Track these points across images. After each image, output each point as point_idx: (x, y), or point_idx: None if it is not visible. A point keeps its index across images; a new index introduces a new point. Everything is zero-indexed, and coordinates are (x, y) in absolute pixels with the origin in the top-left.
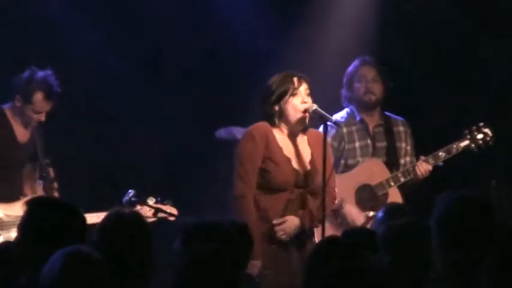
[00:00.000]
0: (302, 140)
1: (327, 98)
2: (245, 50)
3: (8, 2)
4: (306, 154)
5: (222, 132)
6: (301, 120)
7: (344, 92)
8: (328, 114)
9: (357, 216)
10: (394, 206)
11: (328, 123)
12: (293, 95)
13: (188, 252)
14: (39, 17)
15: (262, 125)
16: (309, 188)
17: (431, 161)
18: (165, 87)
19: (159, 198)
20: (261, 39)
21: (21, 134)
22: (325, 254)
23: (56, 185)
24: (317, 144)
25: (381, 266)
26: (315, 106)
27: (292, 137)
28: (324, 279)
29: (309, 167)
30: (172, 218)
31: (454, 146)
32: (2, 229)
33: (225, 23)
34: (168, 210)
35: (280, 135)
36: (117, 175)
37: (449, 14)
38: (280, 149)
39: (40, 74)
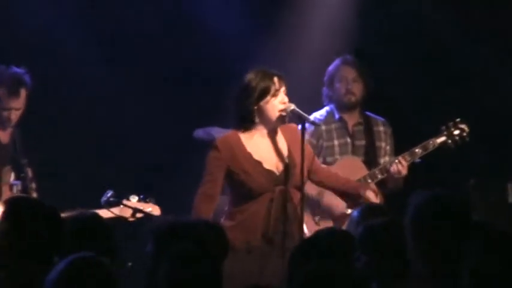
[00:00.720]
0: (278, 137)
1: (306, 98)
2: (223, 50)
3: None
4: (283, 150)
5: (200, 133)
6: (280, 120)
7: (325, 90)
8: (307, 112)
9: (336, 205)
10: (370, 206)
11: (306, 123)
12: (274, 95)
13: (167, 254)
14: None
15: (229, 135)
16: (290, 183)
17: (407, 157)
18: (144, 87)
19: (141, 196)
20: (239, 39)
21: (2, 134)
22: (301, 257)
23: (34, 185)
24: (294, 139)
25: (358, 268)
26: (292, 106)
27: (267, 136)
28: (300, 283)
29: (286, 161)
30: (156, 213)
31: (431, 142)
32: None
33: (205, 26)
34: (147, 210)
35: (250, 140)
36: (97, 175)
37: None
38: (249, 155)
39: (7, 70)
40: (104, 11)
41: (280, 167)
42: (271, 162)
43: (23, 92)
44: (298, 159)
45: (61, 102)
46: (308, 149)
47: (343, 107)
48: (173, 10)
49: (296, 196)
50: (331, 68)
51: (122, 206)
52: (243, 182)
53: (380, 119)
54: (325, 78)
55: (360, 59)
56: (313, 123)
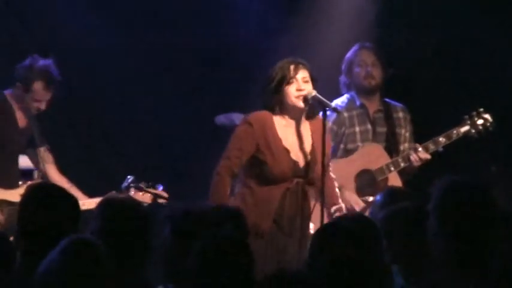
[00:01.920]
0: (305, 129)
1: (327, 87)
2: (246, 37)
3: None
4: (307, 144)
5: (221, 118)
6: (297, 107)
7: (343, 78)
8: (329, 101)
9: (355, 202)
10: (393, 190)
11: (328, 109)
12: (289, 83)
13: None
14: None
15: (263, 114)
16: (307, 178)
17: (431, 146)
18: (165, 73)
19: (150, 183)
20: (262, 28)
21: (22, 119)
22: (324, 241)
23: None
24: (318, 131)
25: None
26: (314, 92)
27: (294, 126)
28: (323, 268)
29: (309, 157)
30: (163, 201)
31: (454, 132)
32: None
33: (226, 14)
34: (162, 194)
35: (282, 125)
36: (116, 161)
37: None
38: (280, 140)
39: (41, 62)
40: None
41: (302, 160)
42: (297, 154)
43: (53, 85)
44: (319, 155)
45: (81, 91)
46: (329, 144)
47: (363, 91)
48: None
49: (310, 192)
50: (349, 54)
51: (141, 192)
52: (267, 164)
53: (399, 105)
54: (343, 66)
55: (380, 46)
56: (334, 109)
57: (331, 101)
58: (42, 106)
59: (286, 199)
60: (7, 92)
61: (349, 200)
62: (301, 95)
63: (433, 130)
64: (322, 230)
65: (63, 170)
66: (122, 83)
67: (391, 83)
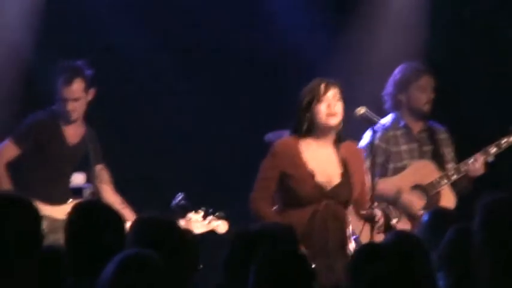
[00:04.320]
0: (334, 149)
1: (374, 100)
2: (296, 54)
3: None
4: (335, 166)
5: (271, 136)
6: (328, 126)
7: (394, 94)
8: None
9: (417, 199)
10: (439, 210)
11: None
12: (319, 101)
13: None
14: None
15: (287, 140)
16: (339, 199)
17: (482, 156)
18: (215, 89)
19: (210, 210)
20: (311, 43)
21: (71, 135)
22: (364, 258)
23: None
24: (352, 156)
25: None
26: (364, 109)
27: (321, 147)
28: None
29: (338, 180)
30: (222, 231)
31: (504, 141)
32: (51, 231)
33: (275, 27)
34: (213, 226)
35: (309, 148)
36: (164, 178)
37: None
38: (304, 163)
39: (66, 62)
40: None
41: (332, 181)
42: (324, 175)
43: (78, 83)
44: (352, 178)
45: (127, 102)
46: (364, 171)
47: (418, 115)
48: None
49: (342, 213)
50: (405, 74)
51: (194, 212)
52: (292, 188)
53: (441, 127)
54: (397, 83)
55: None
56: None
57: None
58: (70, 107)
59: (315, 221)
60: (55, 107)
61: (410, 200)
62: (331, 114)
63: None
64: (363, 247)
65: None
66: (171, 95)
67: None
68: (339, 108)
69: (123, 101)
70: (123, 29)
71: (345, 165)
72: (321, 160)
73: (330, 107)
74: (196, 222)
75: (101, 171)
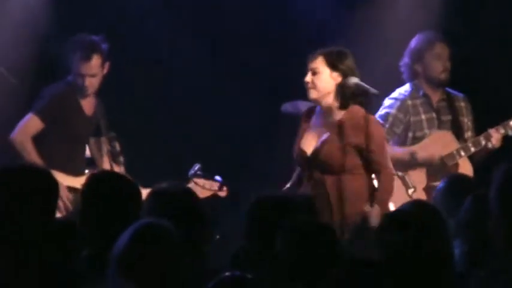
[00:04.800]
0: (332, 118)
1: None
2: (310, 22)
3: None
4: (323, 133)
5: (287, 106)
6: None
7: (410, 65)
8: (393, 88)
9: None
10: (455, 176)
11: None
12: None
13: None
14: None
15: (311, 108)
16: (321, 168)
17: (501, 130)
18: (230, 60)
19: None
20: (325, 13)
21: (87, 107)
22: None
23: (122, 158)
24: (353, 120)
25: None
26: (354, 80)
27: (324, 115)
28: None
29: (321, 147)
30: (223, 194)
31: None
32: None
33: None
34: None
35: (315, 116)
36: (180, 149)
37: None
38: (304, 130)
39: (83, 37)
40: None
41: (312, 151)
42: (308, 143)
43: (96, 59)
44: (349, 144)
45: (149, 78)
46: (377, 136)
47: (436, 83)
48: None
49: (330, 182)
50: (420, 43)
51: (208, 180)
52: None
53: (460, 95)
54: (412, 53)
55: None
56: (376, 95)
57: (394, 88)
58: (87, 82)
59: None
60: (71, 80)
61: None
62: (308, 87)
63: (494, 118)
64: (385, 217)
65: (131, 157)
66: (189, 72)
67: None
68: (314, 80)
69: (143, 77)
70: (148, 9)
71: (337, 132)
72: (314, 128)
73: (305, 80)
74: (199, 187)
75: (104, 143)
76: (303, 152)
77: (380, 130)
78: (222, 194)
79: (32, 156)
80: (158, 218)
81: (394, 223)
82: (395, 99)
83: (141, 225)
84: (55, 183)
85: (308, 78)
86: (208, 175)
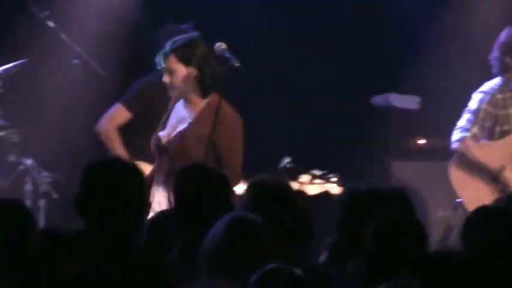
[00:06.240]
0: (192, 106)
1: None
2: (398, 20)
3: None
4: (181, 120)
5: (377, 100)
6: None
7: (500, 57)
8: (483, 81)
9: None
10: None
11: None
12: None
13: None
14: None
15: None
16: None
17: None
18: (321, 53)
19: (325, 172)
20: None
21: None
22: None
23: None
24: (210, 107)
25: None
26: (223, 45)
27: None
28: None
29: (173, 133)
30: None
31: None
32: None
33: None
34: (326, 187)
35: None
36: (267, 142)
37: None
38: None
39: (172, 26)
40: None
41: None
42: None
43: None
44: (199, 130)
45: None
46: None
47: None
48: None
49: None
50: (510, 36)
51: (304, 175)
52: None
53: None
54: (502, 46)
55: None
56: (237, 68)
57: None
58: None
59: None
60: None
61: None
62: (168, 87)
63: None
64: (476, 210)
65: None
66: (281, 63)
67: None
68: (172, 80)
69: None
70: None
71: (196, 117)
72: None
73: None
74: (310, 184)
75: None
76: (158, 139)
77: (233, 117)
78: (335, 191)
79: (115, 145)
80: (254, 211)
81: (485, 218)
82: (485, 92)
83: (233, 220)
84: None
85: (166, 79)
86: (299, 168)
